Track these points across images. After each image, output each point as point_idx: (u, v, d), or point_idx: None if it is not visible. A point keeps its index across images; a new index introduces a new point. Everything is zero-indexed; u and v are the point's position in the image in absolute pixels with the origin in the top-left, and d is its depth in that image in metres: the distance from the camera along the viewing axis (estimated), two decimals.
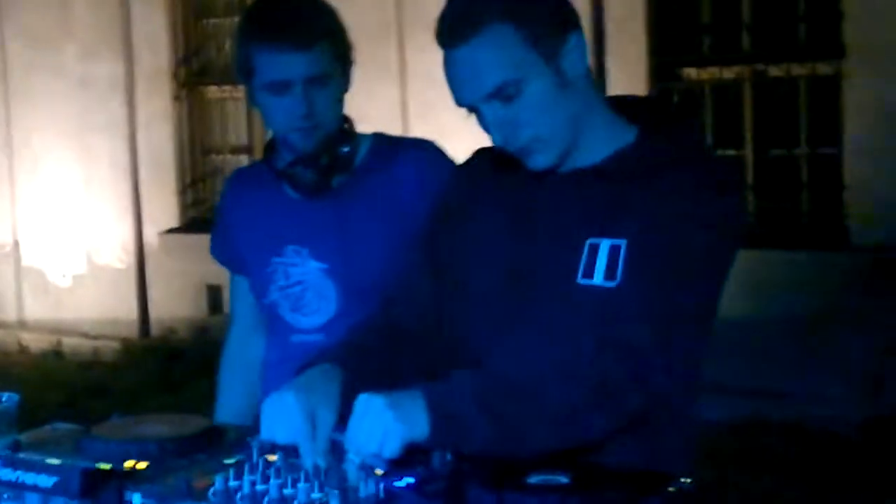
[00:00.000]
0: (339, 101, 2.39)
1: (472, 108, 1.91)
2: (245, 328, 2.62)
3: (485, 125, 1.92)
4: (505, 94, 1.86)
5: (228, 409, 2.59)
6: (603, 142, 1.93)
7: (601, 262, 1.87)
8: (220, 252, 2.62)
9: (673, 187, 1.86)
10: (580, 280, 1.88)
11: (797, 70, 6.45)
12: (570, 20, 1.91)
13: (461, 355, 1.97)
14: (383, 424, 1.69)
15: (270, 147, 2.47)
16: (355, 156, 2.43)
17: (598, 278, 1.86)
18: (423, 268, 2.09)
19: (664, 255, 1.83)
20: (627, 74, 6.62)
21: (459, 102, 1.91)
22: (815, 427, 5.85)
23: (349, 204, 2.41)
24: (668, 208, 1.85)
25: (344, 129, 2.42)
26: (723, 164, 2.02)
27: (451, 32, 1.87)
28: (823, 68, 6.38)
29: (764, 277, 5.92)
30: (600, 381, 1.77)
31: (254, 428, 1.88)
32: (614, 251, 1.87)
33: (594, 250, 1.88)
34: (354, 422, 1.72)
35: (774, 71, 6.51)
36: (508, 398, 1.75)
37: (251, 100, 2.41)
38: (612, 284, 1.85)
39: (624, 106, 1.99)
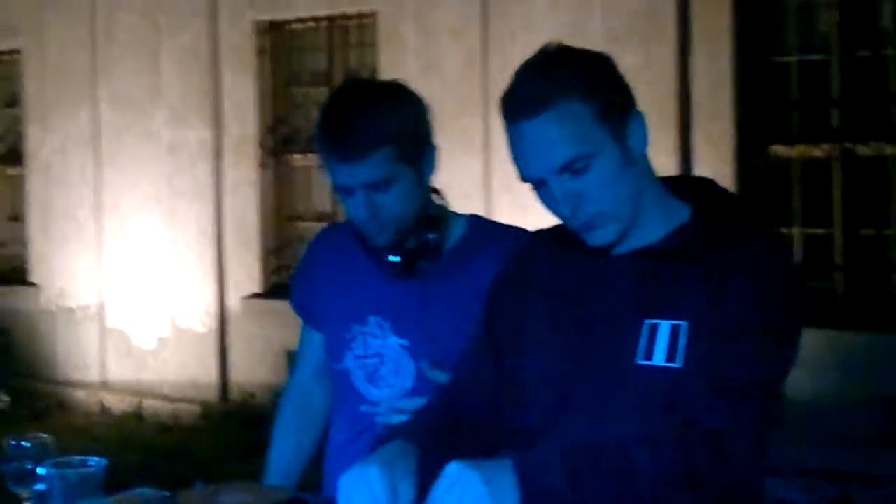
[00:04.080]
0: (413, 194, 2.34)
1: (537, 183, 1.91)
2: (308, 376, 2.62)
3: (548, 200, 1.92)
4: (575, 168, 1.87)
5: (280, 458, 2.59)
6: (658, 221, 1.95)
7: (661, 343, 1.87)
8: (301, 302, 2.61)
9: (733, 266, 1.86)
10: (639, 361, 1.88)
11: (888, 149, 6.36)
12: (632, 97, 1.95)
13: (517, 435, 1.96)
14: (474, 498, 1.67)
15: None
16: (445, 240, 2.41)
17: (659, 359, 1.86)
18: (485, 349, 2.09)
19: (730, 335, 1.82)
20: (714, 152, 6.58)
21: (526, 176, 1.91)
22: None
23: (437, 283, 2.41)
24: (730, 288, 1.84)
25: (430, 214, 2.40)
26: (779, 240, 2.01)
27: (520, 106, 1.88)
28: None
29: (852, 359, 5.80)
30: (685, 466, 1.76)
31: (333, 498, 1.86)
32: (674, 332, 1.86)
33: (653, 331, 1.88)
34: (442, 490, 1.70)
35: (864, 150, 6.43)
36: (598, 476, 1.73)
37: None
38: (676, 366, 1.85)
39: (671, 184, 2.00)
